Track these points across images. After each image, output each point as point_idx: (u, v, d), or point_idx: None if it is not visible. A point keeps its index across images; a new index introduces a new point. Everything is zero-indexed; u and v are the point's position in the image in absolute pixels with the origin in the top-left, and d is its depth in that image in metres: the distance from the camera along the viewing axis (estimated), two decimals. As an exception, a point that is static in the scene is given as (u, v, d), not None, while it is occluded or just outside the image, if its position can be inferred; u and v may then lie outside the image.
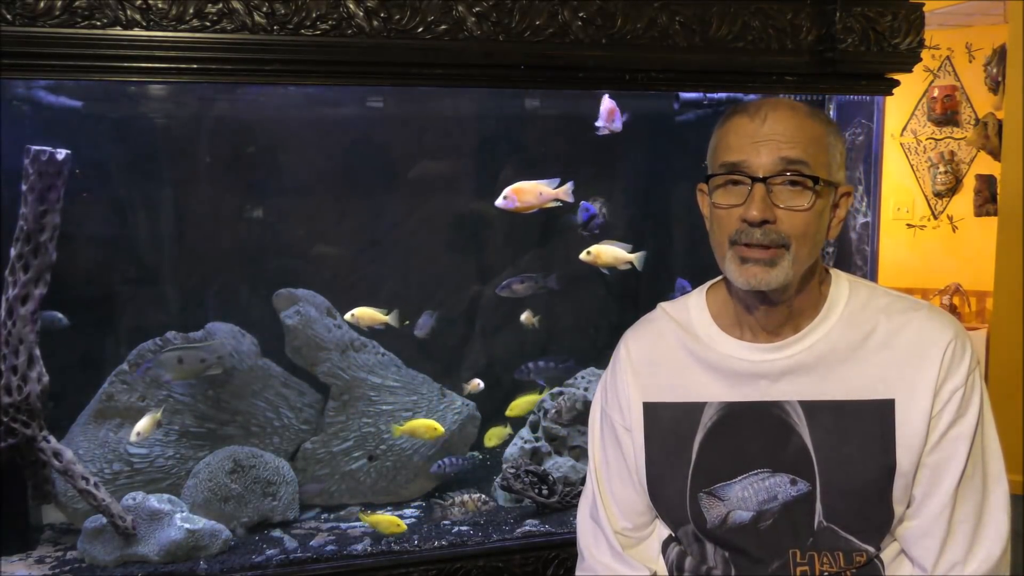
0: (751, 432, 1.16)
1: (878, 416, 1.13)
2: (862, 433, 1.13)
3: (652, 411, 1.23)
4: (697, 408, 1.19)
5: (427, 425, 2.18)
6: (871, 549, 1.16)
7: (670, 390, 1.21)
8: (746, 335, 1.19)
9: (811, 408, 1.15)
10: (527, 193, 2.31)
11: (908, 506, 1.16)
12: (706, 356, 1.20)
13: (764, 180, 1.10)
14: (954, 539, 1.13)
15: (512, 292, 2.56)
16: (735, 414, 1.17)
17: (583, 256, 2.47)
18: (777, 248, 1.11)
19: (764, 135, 1.11)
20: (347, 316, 2.44)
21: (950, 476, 1.12)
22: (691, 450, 1.19)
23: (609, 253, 2.46)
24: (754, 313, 1.18)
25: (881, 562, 1.18)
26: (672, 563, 1.25)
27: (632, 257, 2.47)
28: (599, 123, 2.38)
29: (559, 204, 2.34)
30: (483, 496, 2.39)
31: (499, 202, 2.31)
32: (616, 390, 1.28)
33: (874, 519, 1.15)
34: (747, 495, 1.16)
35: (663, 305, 1.30)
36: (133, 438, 2.17)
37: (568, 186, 2.34)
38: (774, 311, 1.17)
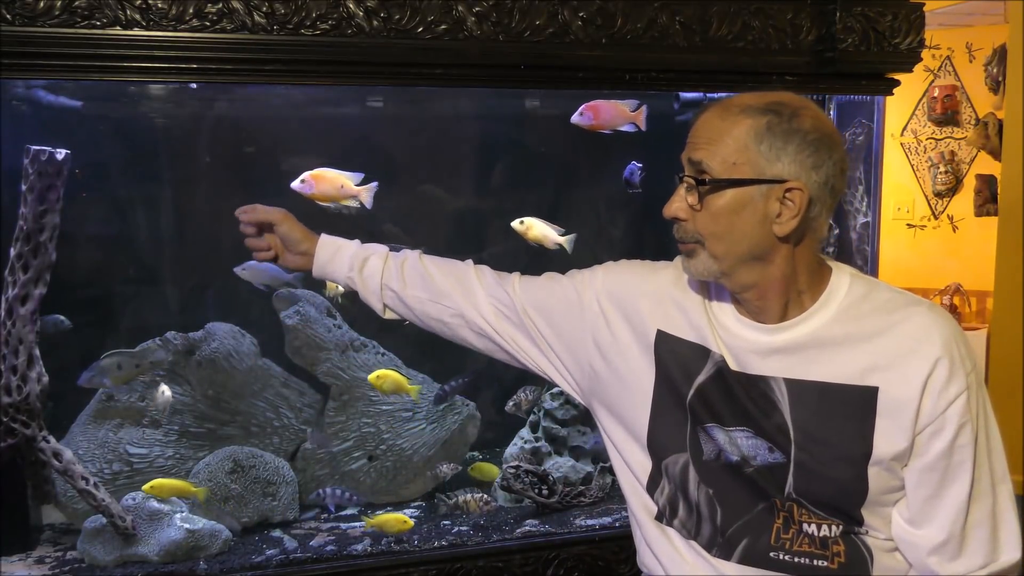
0: (739, 396, 1.19)
1: (860, 402, 1.13)
2: (842, 417, 1.14)
3: (664, 341, 1.25)
4: (704, 353, 1.22)
5: (397, 519, 2.21)
6: (838, 520, 1.17)
7: (688, 328, 1.24)
8: (744, 312, 1.21)
9: (794, 387, 1.16)
10: (326, 182, 2.16)
11: (897, 500, 1.17)
12: (712, 317, 1.23)
13: (681, 179, 1.16)
14: (970, 545, 1.14)
15: None
16: (728, 375, 1.20)
17: (514, 224, 2.40)
18: (692, 244, 1.17)
19: (690, 136, 1.17)
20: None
21: (961, 482, 1.12)
22: (692, 385, 1.22)
23: (539, 228, 2.39)
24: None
25: (871, 554, 1.18)
26: (664, 507, 1.26)
27: (563, 240, 2.39)
28: (576, 119, 2.27)
29: (357, 205, 2.18)
30: (485, 496, 2.38)
31: (295, 184, 2.16)
32: (642, 288, 1.29)
33: (841, 503, 1.16)
34: (733, 445, 1.19)
35: None
36: (160, 400, 2.23)
37: (372, 186, 2.19)
38: (746, 299, 1.19)
